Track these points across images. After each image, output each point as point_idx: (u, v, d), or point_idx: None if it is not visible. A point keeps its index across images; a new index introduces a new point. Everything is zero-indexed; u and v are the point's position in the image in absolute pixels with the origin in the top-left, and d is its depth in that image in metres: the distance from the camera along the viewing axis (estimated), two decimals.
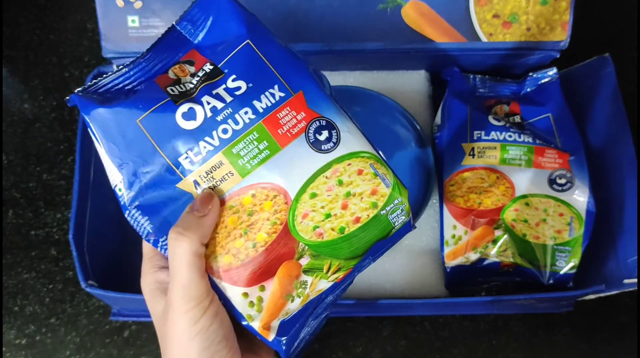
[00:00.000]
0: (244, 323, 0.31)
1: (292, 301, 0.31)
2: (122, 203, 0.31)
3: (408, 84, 0.53)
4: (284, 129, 0.30)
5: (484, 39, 0.48)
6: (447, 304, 0.47)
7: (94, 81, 0.31)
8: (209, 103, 0.30)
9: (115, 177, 0.30)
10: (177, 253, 0.29)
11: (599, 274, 0.47)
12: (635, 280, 0.43)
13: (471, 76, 0.51)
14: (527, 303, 0.47)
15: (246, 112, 0.30)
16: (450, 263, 0.46)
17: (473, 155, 0.46)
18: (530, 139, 0.47)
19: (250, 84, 0.31)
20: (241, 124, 0.30)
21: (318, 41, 0.48)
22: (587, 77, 0.50)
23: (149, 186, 0.30)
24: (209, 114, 0.30)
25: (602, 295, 0.44)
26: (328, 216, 0.31)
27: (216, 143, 0.30)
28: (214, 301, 0.29)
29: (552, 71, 0.49)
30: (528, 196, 0.46)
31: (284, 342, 0.31)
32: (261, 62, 0.31)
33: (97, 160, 0.47)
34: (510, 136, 0.47)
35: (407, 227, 0.33)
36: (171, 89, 0.31)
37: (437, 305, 0.47)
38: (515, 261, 0.45)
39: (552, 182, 0.46)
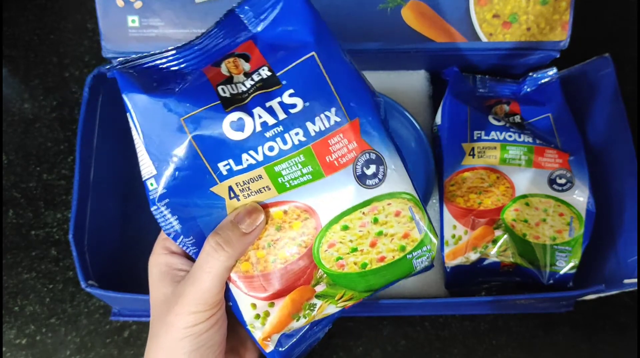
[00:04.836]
0: (246, 328, 0.31)
1: (298, 320, 0.31)
2: (151, 197, 0.29)
3: (408, 84, 0.53)
4: (332, 157, 0.29)
5: (484, 39, 0.48)
6: (447, 304, 0.47)
7: (138, 55, 0.29)
8: (260, 116, 0.28)
9: (148, 169, 0.29)
10: (210, 262, 0.28)
11: (599, 274, 0.47)
12: (635, 280, 0.43)
13: (471, 76, 0.51)
14: (527, 303, 0.47)
15: (297, 133, 0.28)
16: (450, 263, 0.46)
17: (473, 155, 0.46)
18: (530, 139, 0.47)
19: (307, 104, 0.28)
20: (289, 145, 0.28)
21: None
22: (587, 77, 0.50)
23: (182, 185, 0.29)
24: (258, 128, 0.28)
25: (602, 295, 0.44)
26: (354, 250, 0.30)
27: (260, 158, 0.28)
28: (220, 310, 0.30)
29: (552, 71, 0.49)
30: (528, 196, 0.46)
31: (279, 353, 0.31)
32: (323, 80, 0.28)
33: (97, 160, 0.47)
34: (510, 136, 0.47)
35: (427, 268, 0.33)
36: (222, 89, 0.28)
37: (437, 305, 0.47)
38: (515, 261, 0.45)
39: (552, 182, 0.46)
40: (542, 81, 0.50)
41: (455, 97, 0.48)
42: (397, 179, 0.30)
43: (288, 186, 0.29)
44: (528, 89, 0.50)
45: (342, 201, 0.29)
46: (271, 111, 0.28)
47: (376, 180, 0.29)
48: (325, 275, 0.30)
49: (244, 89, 0.29)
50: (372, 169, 0.29)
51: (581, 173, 0.46)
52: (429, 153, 0.48)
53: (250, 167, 0.28)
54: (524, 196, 0.46)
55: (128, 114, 0.28)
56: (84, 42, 0.59)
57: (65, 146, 0.55)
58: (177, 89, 0.28)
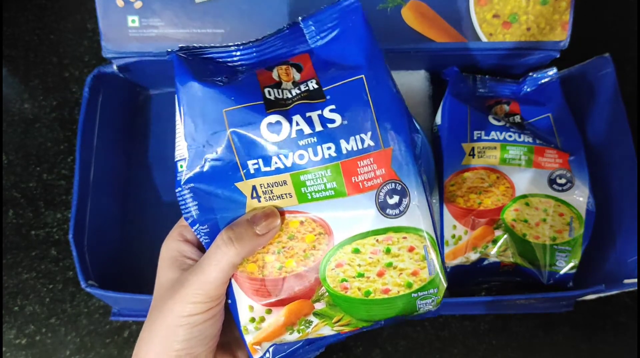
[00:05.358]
0: (240, 329, 0.31)
1: (291, 333, 0.31)
2: (177, 178, 0.30)
3: (408, 84, 0.53)
4: (358, 179, 0.29)
5: (484, 39, 0.48)
6: (447, 304, 0.47)
7: (200, 45, 0.30)
8: (298, 124, 0.29)
9: (181, 152, 0.30)
10: (218, 255, 0.29)
11: (599, 274, 0.47)
12: (635, 280, 0.43)
13: (471, 76, 0.51)
14: (527, 303, 0.47)
15: (329, 148, 0.29)
16: (450, 263, 0.46)
17: (473, 155, 0.46)
18: (530, 139, 0.47)
19: (345, 122, 0.29)
20: (319, 158, 0.29)
21: None
22: (587, 77, 0.50)
23: (209, 174, 0.29)
24: (294, 135, 0.29)
25: (602, 295, 0.44)
26: (361, 275, 0.30)
27: (289, 164, 0.29)
28: (218, 305, 0.30)
29: (552, 71, 0.49)
30: (528, 196, 0.46)
31: None
32: (366, 103, 0.29)
33: (97, 160, 0.48)
34: (510, 136, 0.47)
35: (431, 313, 0.33)
36: (268, 92, 0.29)
37: None
38: (515, 261, 0.45)
39: (552, 182, 0.46)
40: (542, 81, 0.50)
41: (455, 97, 0.48)
42: (418, 216, 0.30)
43: (309, 197, 0.29)
44: (528, 89, 0.50)
45: (358, 224, 0.30)
46: (309, 121, 0.29)
47: (397, 211, 0.30)
48: (327, 294, 0.30)
49: (290, 96, 0.30)
50: (395, 199, 0.29)
51: (581, 173, 0.46)
52: (429, 153, 0.48)
53: (278, 171, 0.29)
54: (524, 196, 0.46)
55: (176, 96, 0.29)
56: (84, 42, 0.59)
57: (65, 146, 0.55)
58: (226, 83, 0.29)
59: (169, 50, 0.30)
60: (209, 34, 0.46)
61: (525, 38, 0.48)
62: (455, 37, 0.48)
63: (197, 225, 0.31)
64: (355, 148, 0.29)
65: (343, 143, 0.29)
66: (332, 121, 0.29)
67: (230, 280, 0.31)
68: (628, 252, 0.44)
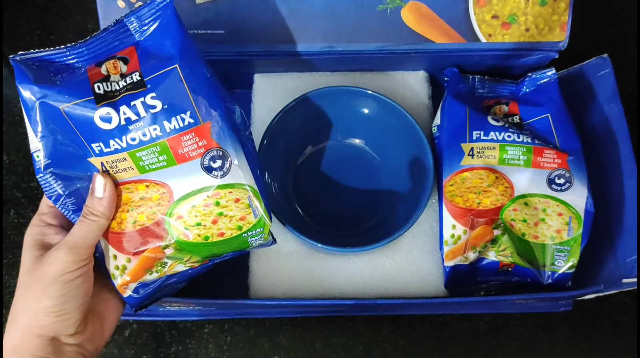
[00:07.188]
0: (109, 275, 0.37)
1: (151, 274, 0.37)
2: (37, 166, 0.35)
3: (408, 85, 0.53)
4: (183, 150, 0.35)
5: (483, 39, 0.48)
6: (446, 304, 0.47)
7: (37, 50, 0.35)
8: (125, 113, 0.34)
9: (34, 145, 0.34)
10: (85, 223, 0.35)
11: (597, 274, 0.47)
12: (635, 280, 0.43)
13: (470, 77, 0.51)
14: (526, 303, 0.47)
15: (155, 129, 0.34)
16: (450, 262, 0.46)
17: (472, 155, 0.47)
18: (529, 139, 0.47)
19: (166, 106, 0.34)
20: (148, 137, 0.34)
21: (318, 41, 0.48)
22: (586, 78, 0.50)
23: (65, 157, 0.35)
24: (123, 122, 0.34)
25: (601, 294, 0.45)
26: (198, 224, 0.36)
27: (124, 145, 0.34)
28: (88, 265, 0.35)
29: (551, 72, 0.49)
30: (527, 196, 0.46)
31: (135, 298, 0.38)
32: (182, 88, 0.34)
33: None
34: (509, 136, 0.47)
35: (269, 243, 0.40)
36: (97, 87, 0.34)
37: (437, 304, 0.47)
38: (514, 260, 0.46)
39: (551, 182, 0.46)
40: (541, 81, 0.50)
41: (454, 98, 0.48)
42: (240, 174, 0.36)
43: (147, 168, 0.35)
44: (527, 90, 0.51)
45: (191, 184, 0.36)
46: (135, 109, 0.34)
47: (221, 172, 0.36)
48: (173, 241, 0.37)
49: (117, 87, 0.35)
50: (218, 163, 0.35)
51: (580, 173, 0.46)
52: (428, 153, 0.48)
53: (117, 151, 0.35)
54: (523, 196, 0.46)
55: (21, 98, 0.34)
56: None
57: None
58: (61, 82, 0.34)
59: (11, 56, 0.34)
60: (208, 34, 0.47)
61: (524, 39, 0.48)
62: (455, 38, 0.48)
63: (65, 200, 0.36)
64: (177, 126, 0.34)
65: (166, 123, 0.34)
66: (154, 106, 0.34)
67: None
68: (627, 252, 0.45)
